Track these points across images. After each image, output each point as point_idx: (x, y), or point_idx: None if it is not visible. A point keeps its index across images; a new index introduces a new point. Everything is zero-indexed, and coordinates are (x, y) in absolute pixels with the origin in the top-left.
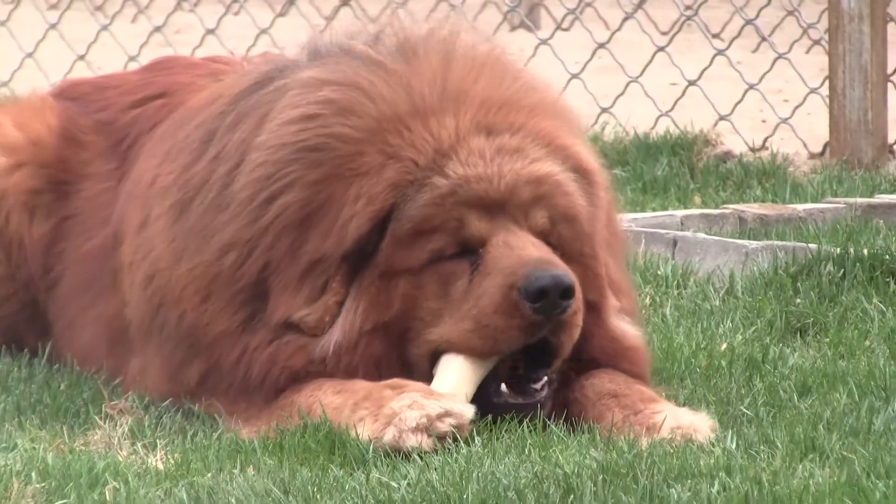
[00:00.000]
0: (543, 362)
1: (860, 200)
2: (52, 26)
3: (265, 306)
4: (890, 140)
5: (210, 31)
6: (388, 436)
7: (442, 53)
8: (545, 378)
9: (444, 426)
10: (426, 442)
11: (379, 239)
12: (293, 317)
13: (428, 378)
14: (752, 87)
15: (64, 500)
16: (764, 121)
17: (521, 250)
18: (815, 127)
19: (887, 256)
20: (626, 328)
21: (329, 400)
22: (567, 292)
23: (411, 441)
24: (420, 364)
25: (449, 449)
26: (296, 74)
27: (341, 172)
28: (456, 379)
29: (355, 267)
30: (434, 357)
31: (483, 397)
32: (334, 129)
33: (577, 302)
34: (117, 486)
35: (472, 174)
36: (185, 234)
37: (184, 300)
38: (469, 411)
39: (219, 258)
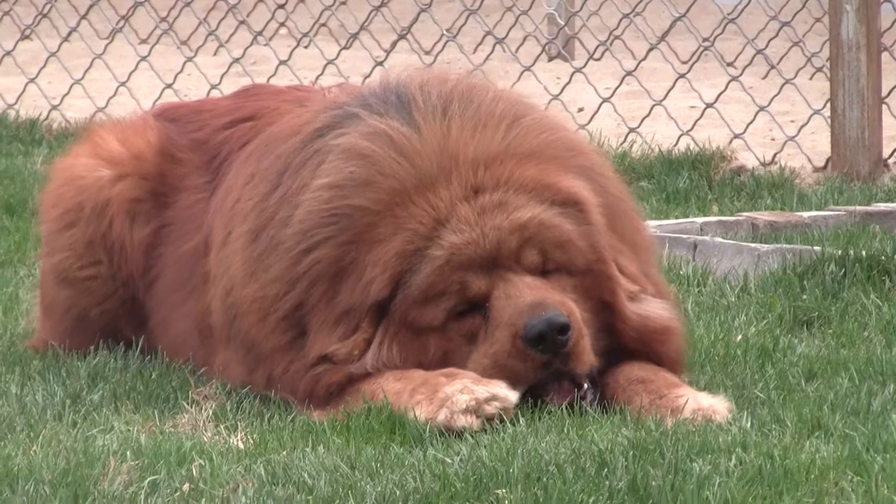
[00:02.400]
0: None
1: (859, 208)
2: (143, 58)
3: (304, 335)
4: (884, 155)
5: (283, 62)
6: (442, 416)
7: (447, 116)
8: (586, 386)
9: (491, 409)
10: (475, 422)
11: (394, 298)
12: (326, 351)
13: None
14: (762, 109)
15: (155, 476)
16: (773, 139)
17: (517, 298)
18: (818, 144)
19: (883, 258)
20: (650, 309)
21: (390, 386)
22: (563, 329)
23: (461, 421)
24: None
25: (496, 428)
26: (343, 133)
27: (363, 239)
28: None
29: (382, 311)
30: None
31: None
32: (355, 201)
33: (578, 331)
34: (202, 464)
35: (461, 241)
36: (253, 259)
37: (249, 316)
38: (513, 396)
39: (266, 288)
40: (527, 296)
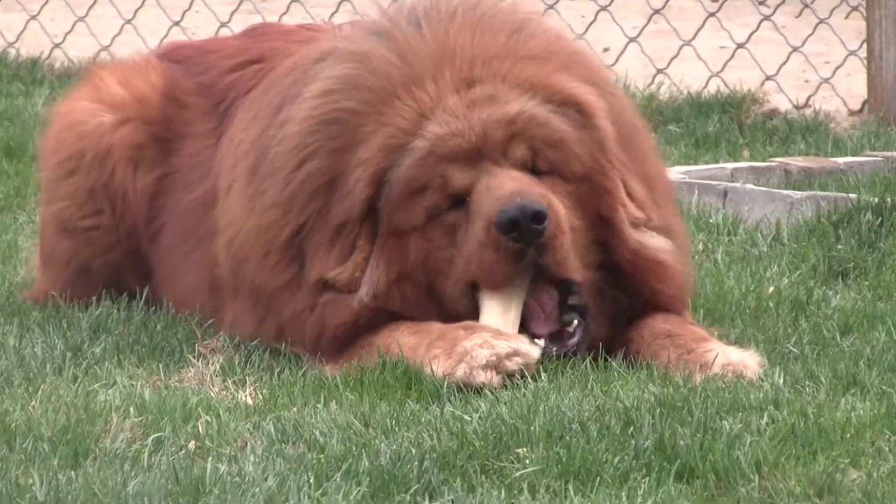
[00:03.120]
0: (555, 288)
1: None
2: None
3: (304, 267)
4: None
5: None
6: (460, 372)
7: (449, 16)
8: (575, 321)
9: (513, 364)
10: (495, 379)
11: (379, 200)
12: (327, 275)
13: (472, 313)
14: (795, 49)
15: (159, 433)
16: (807, 81)
17: (497, 189)
18: (853, 86)
19: None
20: (651, 241)
21: (406, 340)
22: (537, 216)
23: (481, 377)
24: (459, 306)
25: (517, 384)
26: (341, 50)
27: (351, 143)
28: (497, 313)
29: (375, 226)
30: (468, 295)
31: None
32: (343, 105)
33: (556, 225)
34: (209, 420)
35: (445, 132)
36: (251, 194)
37: (251, 257)
38: (536, 351)
39: (264, 216)
40: (507, 186)
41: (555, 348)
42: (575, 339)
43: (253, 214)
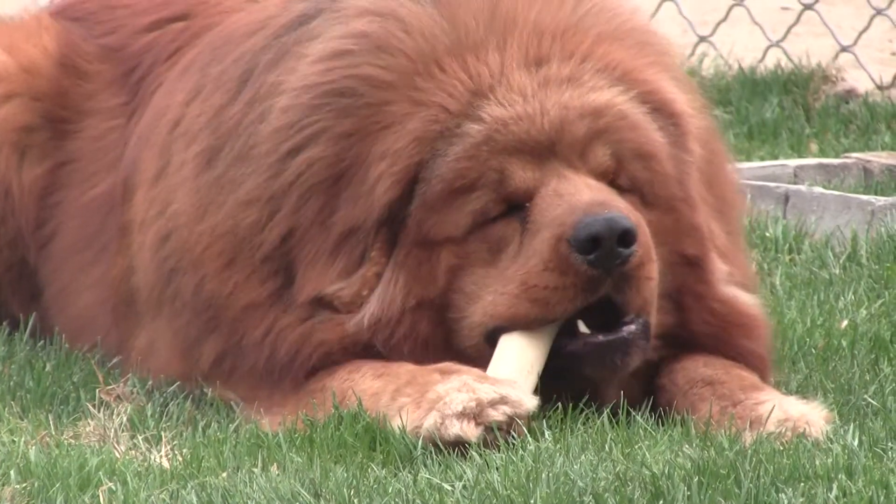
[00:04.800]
0: (613, 326)
1: None
2: None
3: (293, 280)
4: None
5: None
6: (430, 422)
7: None
8: (634, 327)
9: (497, 414)
10: (473, 431)
11: (409, 203)
12: (324, 291)
13: (486, 364)
14: (879, 12)
15: None
16: (894, 53)
17: (571, 196)
18: None
19: None
20: (739, 293)
21: (367, 385)
22: (626, 236)
23: (454, 428)
24: (474, 349)
25: (513, 444)
26: (348, 3)
27: (370, 124)
28: (516, 360)
29: (396, 233)
30: (489, 341)
31: (558, 352)
32: (363, 70)
33: (645, 250)
34: (113, 488)
35: (509, 114)
36: (210, 185)
37: (204, 263)
38: (530, 401)
39: (237, 216)
40: (584, 194)
41: (601, 336)
42: (632, 328)
43: (211, 211)
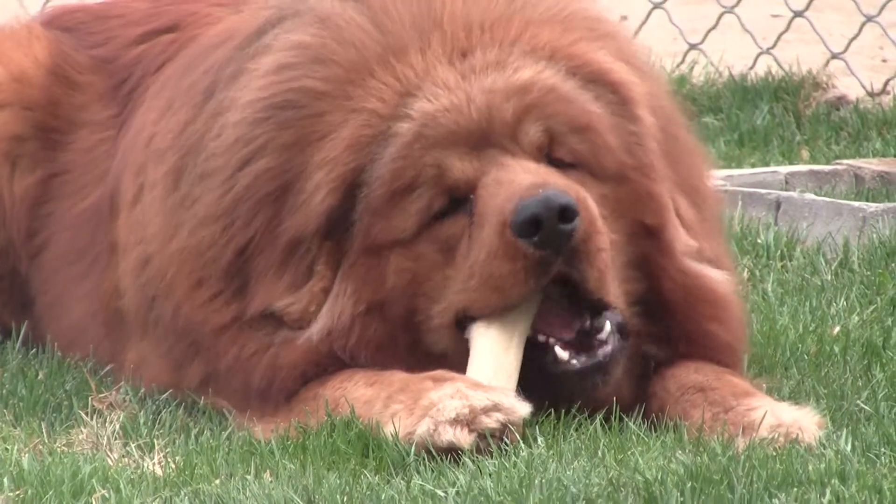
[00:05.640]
0: (582, 305)
1: None
2: None
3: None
4: None
5: None
6: (423, 428)
7: None
8: (608, 325)
9: (490, 421)
10: (467, 438)
11: (352, 209)
12: (274, 307)
13: (457, 364)
14: (870, 19)
15: None
16: (885, 60)
17: (510, 183)
18: None
19: None
20: (706, 269)
21: (360, 393)
22: (566, 212)
23: (447, 434)
24: (440, 345)
25: (506, 451)
26: (300, 13)
27: (309, 134)
28: (493, 357)
29: (341, 244)
30: (457, 335)
31: (538, 371)
32: (303, 83)
33: (590, 222)
34: (106, 496)
35: (436, 108)
36: (177, 206)
37: (176, 287)
38: (523, 408)
39: (197, 233)
40: (523, 179)
41: (580, 360)
42: (608, 349)
43: (179, 232)
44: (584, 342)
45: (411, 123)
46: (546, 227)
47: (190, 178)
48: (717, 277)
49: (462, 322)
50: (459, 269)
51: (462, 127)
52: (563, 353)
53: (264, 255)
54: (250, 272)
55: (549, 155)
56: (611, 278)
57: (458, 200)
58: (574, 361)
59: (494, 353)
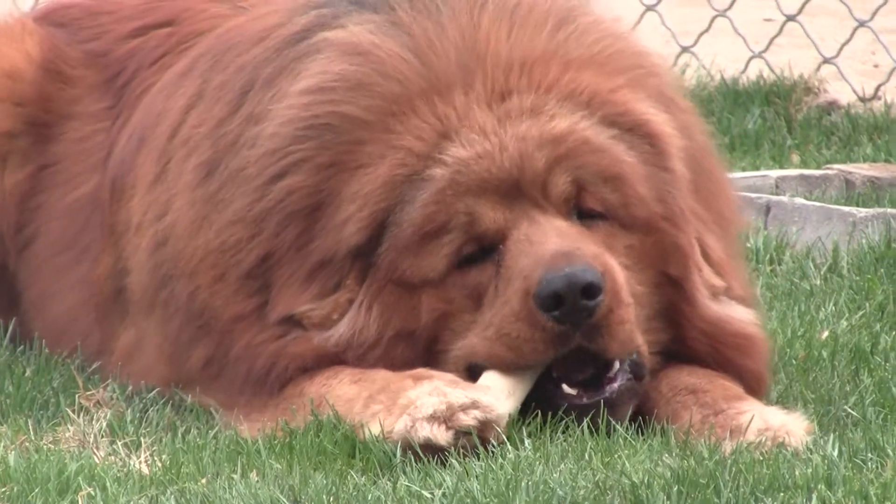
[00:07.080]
0: (597, 369)
1: None
2: None
3: (269, 299)
4: None
5: None
6: (400, 426)
7: (480, 7)
8: (616, 364)
9: (468, 419)
10: (444, 435)
11: (378, 245)
12: (295, 311)
13: None
14: (862, 24)
15: None
16: (876, 65)
17: (538, 245)
18: None
19: None
20: (731, 311)
21: (343, 391)
22: (590, 290)
23: (424, 431)
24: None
25: (493, 452)
26: (336, 28)
27: (346, 160)
28: (497, 384)
29: (368, 266)
30: (470, 372)
31: (542, 398)
32: (343, 108)
33: (614, 295)
34: (92, 493)
35: (469, 154)
36: (207, 200)
37: (198, 275)
38: (501, 407)
39: (224, 234)
40: (551, 242)
41: (586, 398)
42: (615, 385)
43: (206, 228)
44: (593, 381)
45: (445, 169)
46: (568, 304)
47: (222, 177)
48: (742, 317)
49: (473, 369)
50: (483, 315)
51: (494, 175)
52: (569, 389)
53: (290, 267)
54: (273, 278)
55: (578, 205)
56: (628, 339)
57: (487, 249)
58: (583, 398)
59: (499, 380)
